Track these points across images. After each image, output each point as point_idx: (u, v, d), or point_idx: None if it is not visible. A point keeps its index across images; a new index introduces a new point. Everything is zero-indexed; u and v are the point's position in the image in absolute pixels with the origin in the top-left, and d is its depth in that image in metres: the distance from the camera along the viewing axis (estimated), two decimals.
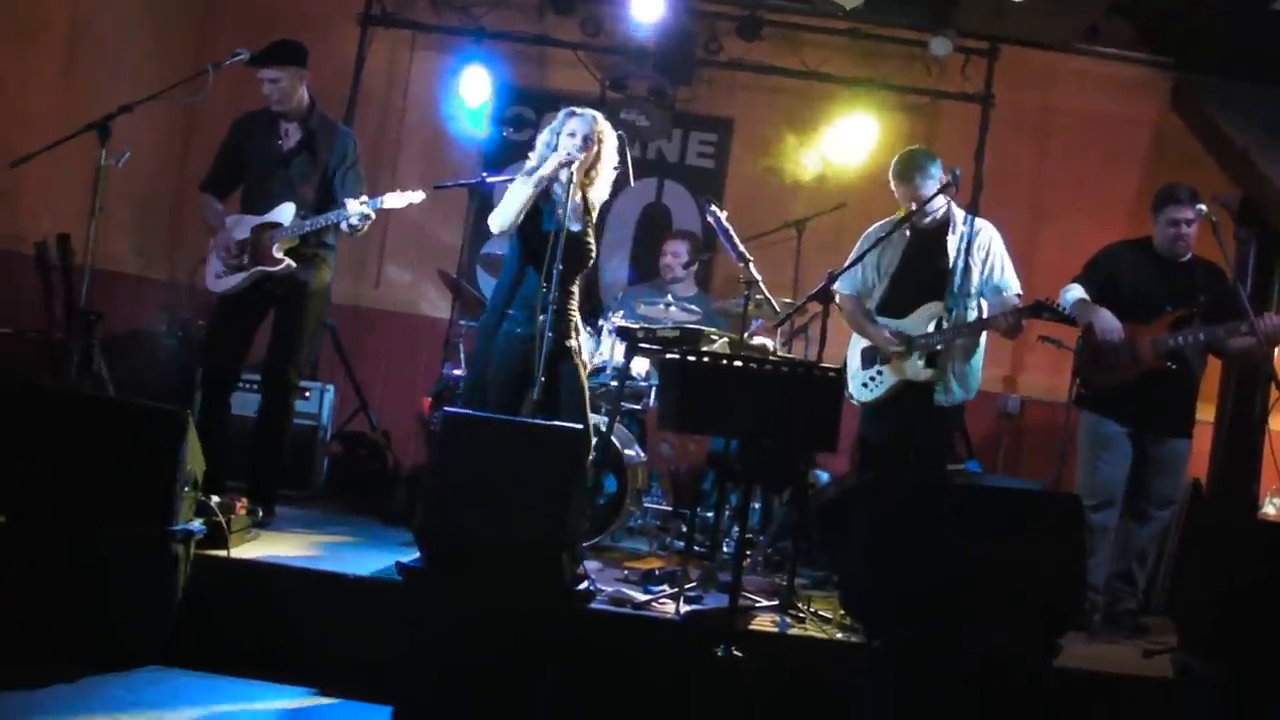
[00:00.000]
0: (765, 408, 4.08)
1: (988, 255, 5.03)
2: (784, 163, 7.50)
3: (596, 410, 5.35)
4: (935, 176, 4.93)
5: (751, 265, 5.01)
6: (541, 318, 4.47)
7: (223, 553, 4.23)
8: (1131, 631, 4.94)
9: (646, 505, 6.00)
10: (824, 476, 6.08)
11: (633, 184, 5.38)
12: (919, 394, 4.96)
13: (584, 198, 4.76)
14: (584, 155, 4.64)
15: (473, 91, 7.34)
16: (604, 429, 5.22)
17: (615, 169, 4.82)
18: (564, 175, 4.58)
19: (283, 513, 5.22)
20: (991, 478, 6.55)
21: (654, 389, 5.88)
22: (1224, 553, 4.00)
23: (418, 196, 5.19)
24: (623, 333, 5.38)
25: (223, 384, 5.18)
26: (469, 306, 6.50)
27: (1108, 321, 4.95)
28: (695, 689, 3.97)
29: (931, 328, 4.95)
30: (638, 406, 6.02)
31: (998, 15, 6.94)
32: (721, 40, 7.50)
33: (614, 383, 5.52)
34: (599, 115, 4.76)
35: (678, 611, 4.26)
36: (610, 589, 4.48)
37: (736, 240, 5.03)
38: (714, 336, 5.37)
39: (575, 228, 4.63)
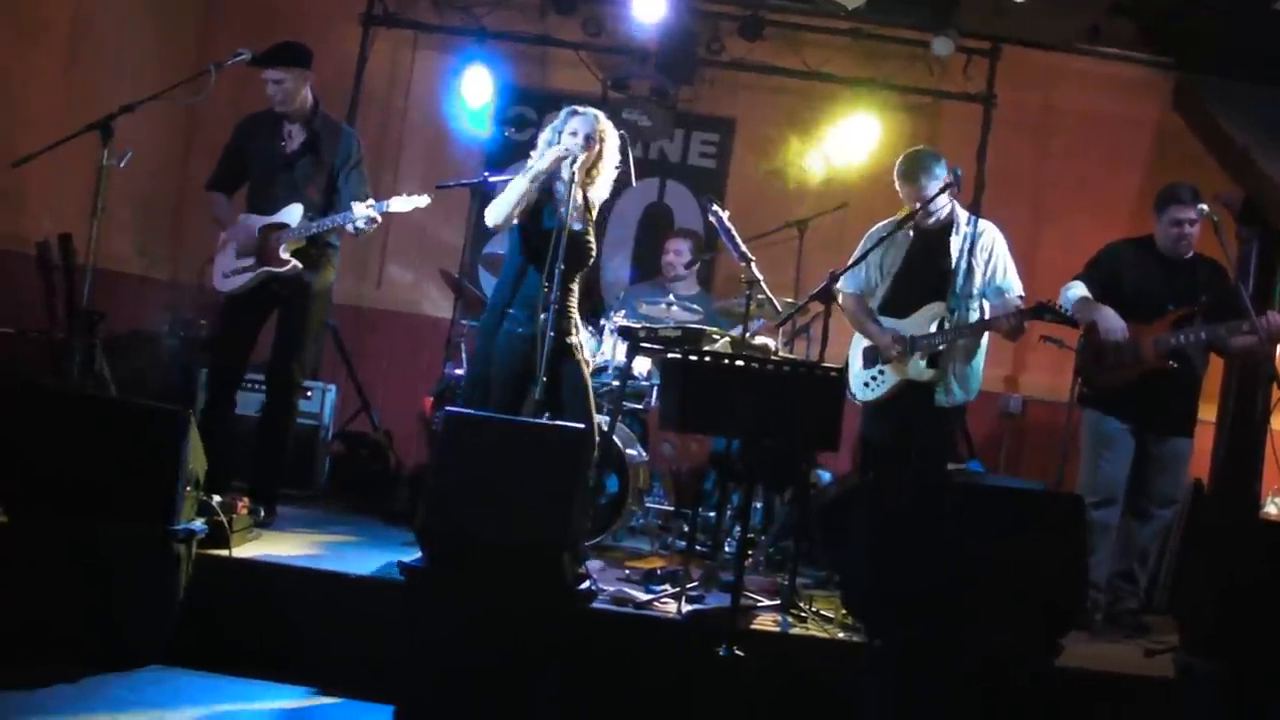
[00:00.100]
0: (767, 407, 4.07)
1: (990, 256, 5.03)
2: (786, 163, 7.50)
3: (598, 410, 5.35)
4: (940, 177, 4.93)
5: (753, 265, 5.01)
6: (543, 316, 4.47)
7: (224, 552, 4.23)
8: (1133, 631, 4.93)
9: (648, 505, 5.98)
10: (825, 476, 6.08)
11: (634, 184, 5.37)
12: (920, 394, 4.96)
13: (585, 197, 4.75)
14: (584, 153, 4.63)
15: (474, 91, 7.33)
16: (606, 428, 5.21)
17: (617, 168, 4.81)
18: (565, 173, 4.58)
19: (284, 512, 5.22)
20: (993, 477, 6.54)
21: (656, 388, 5.88)
22: (1226, 552, 4.00)
23: (423, 201, 5.20)
24: (624, 332, 5.37)
25: (228, 383, 5.20)
26: (471, 306, 6.49)
27: (1111, 321, 4.94)
28: (697, 689, 3.97)
29: (933, 328, 4.95)
30: (639, 406, 6.02)
31: (999, 15, 6.93)
32: (723, 40, 7.50)
33: (616, 382, 5.52)
34: (601, 114, 4.75)
35: (679, 611, 4.26)
36: (612, 589, 4.48)
37: (738, 240, 5.03)
38: (716, 336, 5.37)
39: (576, 226, 4.62)
